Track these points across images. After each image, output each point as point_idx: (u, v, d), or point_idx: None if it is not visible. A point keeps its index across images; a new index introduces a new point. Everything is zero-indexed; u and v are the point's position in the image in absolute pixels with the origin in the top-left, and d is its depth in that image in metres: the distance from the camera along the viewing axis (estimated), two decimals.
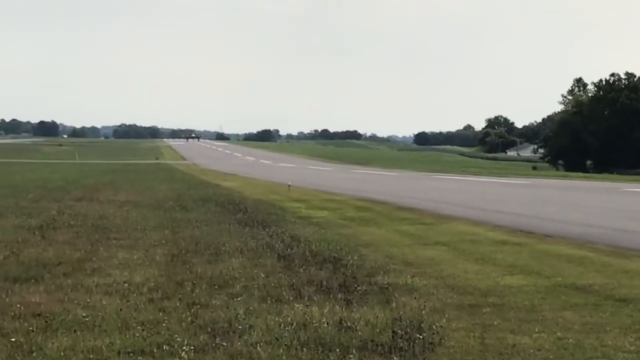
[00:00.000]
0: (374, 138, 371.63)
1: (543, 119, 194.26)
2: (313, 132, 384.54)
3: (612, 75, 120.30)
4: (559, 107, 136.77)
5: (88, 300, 9.26)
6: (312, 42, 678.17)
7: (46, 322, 8.06)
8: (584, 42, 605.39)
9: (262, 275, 10.89)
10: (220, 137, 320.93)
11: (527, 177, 55.97)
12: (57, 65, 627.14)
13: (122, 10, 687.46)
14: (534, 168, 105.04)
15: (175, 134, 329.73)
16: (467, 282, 10.97)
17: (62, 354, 7.05)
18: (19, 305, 8.82)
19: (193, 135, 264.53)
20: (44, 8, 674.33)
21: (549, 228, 18.23)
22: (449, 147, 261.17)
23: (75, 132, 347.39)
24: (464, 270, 12.00)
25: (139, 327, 7.84)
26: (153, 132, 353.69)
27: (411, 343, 7.42)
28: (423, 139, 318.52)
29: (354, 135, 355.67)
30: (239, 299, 9.36)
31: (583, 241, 15.72)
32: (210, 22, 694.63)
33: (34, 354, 7.05)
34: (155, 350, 7.13)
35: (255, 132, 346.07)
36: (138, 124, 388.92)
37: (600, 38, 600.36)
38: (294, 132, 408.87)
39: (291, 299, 9.40)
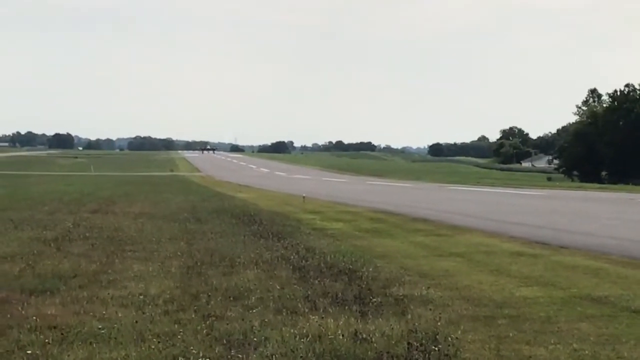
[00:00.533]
0: (388, 149, 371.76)
1: (558, 130, 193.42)
2: (327, 144, 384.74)
3: (627, 85, 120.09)
4: (574, 118, 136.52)
5: (104, 312, 9.28)
6: (326, 54, 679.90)
7: (62, 334, 8.07)
8: (598, 53, 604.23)
9: (277, 287, 10.88)
10: (235, 149, 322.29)
11: (542, 188, 55.81)
12: (72, 77, 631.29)
13: (137, 22, 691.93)
14: (549, 179, 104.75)
15: (190, 145, 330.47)
16: (482, 294, 10.94)
17: None
18: (34, 318, 8.84)
19: (208, 147, 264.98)
20: (61, 20, 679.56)
21: (564, 239, 18.15)
22: (463, 158, 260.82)
23: (90, 145, 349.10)
24: (479, 282, 11.97)
25: (154, 339, 7.85)
26: (168, 144, 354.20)
27: (426, 355, 7.40)
28: (437, 150, 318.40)
29: (368, 146, 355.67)
30: (254, 310, 9.37)
31: (599, 252, 15.65)
32: (225, 34, 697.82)
33: None
34: None
35: (269, 144, 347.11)
36: (153, 136, 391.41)
37: (615, 49, 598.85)
38: (309, 144, 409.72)
39: (306, 310, 9.40)
